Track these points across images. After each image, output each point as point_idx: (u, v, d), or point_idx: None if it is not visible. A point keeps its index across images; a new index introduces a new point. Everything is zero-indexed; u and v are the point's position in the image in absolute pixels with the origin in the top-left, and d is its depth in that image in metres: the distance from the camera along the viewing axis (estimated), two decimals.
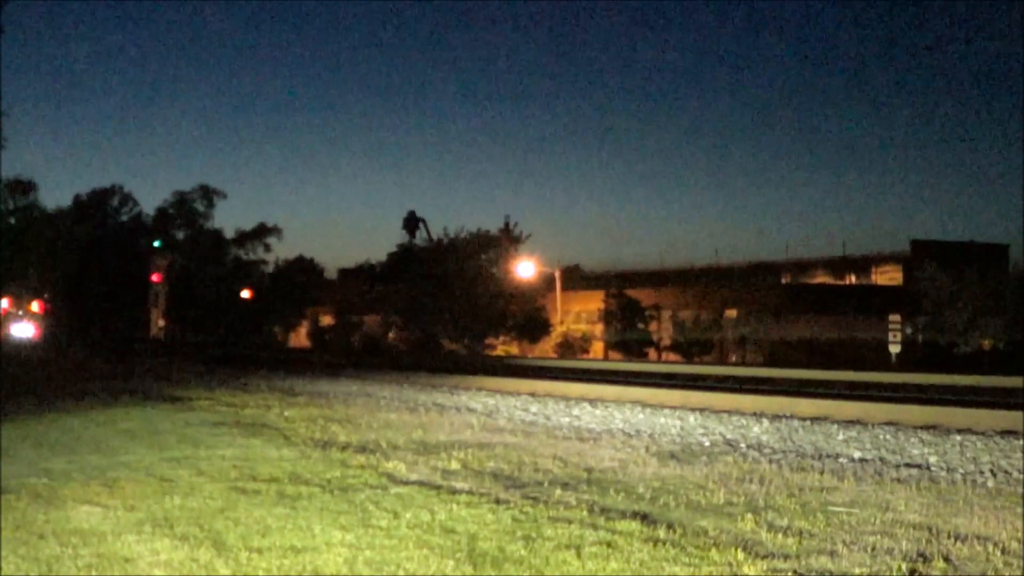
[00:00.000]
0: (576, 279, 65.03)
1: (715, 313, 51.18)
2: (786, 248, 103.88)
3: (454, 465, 10.08)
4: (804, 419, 14.98)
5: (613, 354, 52.06)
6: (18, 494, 8.39)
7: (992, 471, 9.98)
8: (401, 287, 57.24)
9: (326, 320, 69.04)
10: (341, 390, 21.14)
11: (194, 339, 68.92)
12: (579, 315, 56.65)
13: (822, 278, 64.70)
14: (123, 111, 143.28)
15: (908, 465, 10.44)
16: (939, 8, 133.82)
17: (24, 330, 72.46)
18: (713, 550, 6.36)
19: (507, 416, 15.76)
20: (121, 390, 21.10)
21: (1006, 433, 12.97)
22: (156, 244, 75.67)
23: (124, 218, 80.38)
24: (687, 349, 49.60)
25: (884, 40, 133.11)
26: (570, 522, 7.22)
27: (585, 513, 7.56)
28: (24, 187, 74.90)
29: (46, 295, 77.44)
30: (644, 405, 17.43)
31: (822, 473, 9.71)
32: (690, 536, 6.79)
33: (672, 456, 10.91)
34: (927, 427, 13.93)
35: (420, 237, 57.17)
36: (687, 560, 6.16)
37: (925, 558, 6.21)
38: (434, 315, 53.87)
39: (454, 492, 8.49)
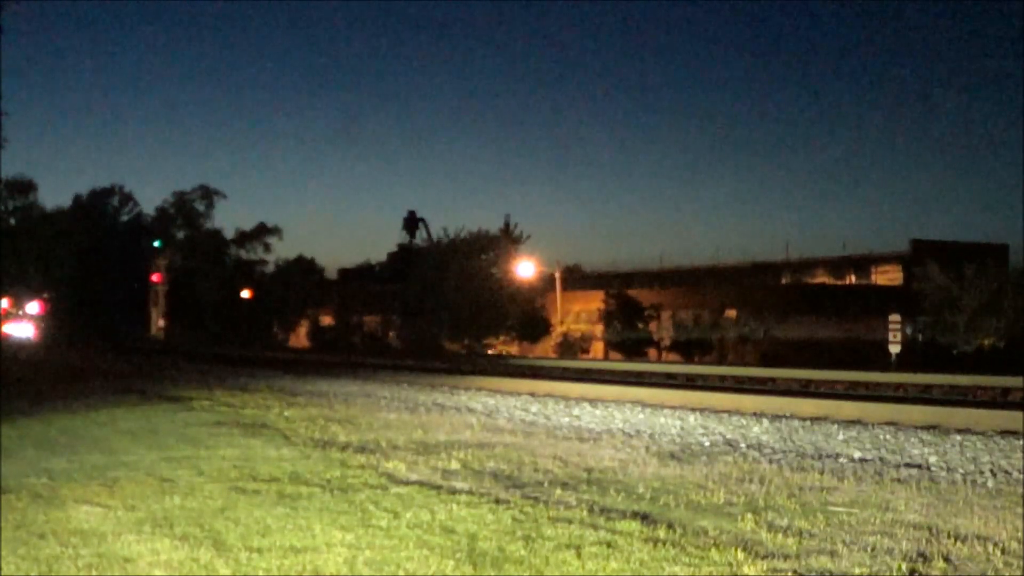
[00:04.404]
0: (576, 279, 65.12)
1: (715, 313, 51.18)
2: (786, 248, 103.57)
3: (454, 465, 10.07)
4: (804, 419, 14.96)
5: (613, 354, 52.04)
6: (18, 494, 8.39)
7: (992, 471, 9.97)
8: (401, 287, 57.27)
9: (326, 320, 69.04)
10: (341, 390, 21.13)
11: (194, 339, 68.93)
12: (579, 315, 56.64)
13: (822, 278, 64.69)
14: (123, 111, 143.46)
15: (908, 465, 10.43)
16: (940, 8, 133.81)
17: (23, 330, 72.43)
18: (713, 550, 6.36)
19: (507, 416, 15.74)
20: (121, 390, 21.11)
21: (1006, 433, 12.95)
22: (156, 244, 75.79)
23: (124, 218, 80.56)
24: (687, 349, 49.61)
25: (884, 40, 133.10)
26: (570, 522, 7.21)
27: (585, 513, 7.56)
28: (24, 187, 75.05)
29: (46, 295, 77.45)
30: (644, 405, 17.41)
31: (822, 473, 9.70)
32: (690, 536, 6.78)
33: (672, 456, 10.90)
34: (927, 427, 13.92)
35: (420, 237, 57.33)
36: (687, 560, 6.15)
37: (925, 558, 6.21)
38: (434, 315, 53.89)
39: (454, 492, 8.48)
